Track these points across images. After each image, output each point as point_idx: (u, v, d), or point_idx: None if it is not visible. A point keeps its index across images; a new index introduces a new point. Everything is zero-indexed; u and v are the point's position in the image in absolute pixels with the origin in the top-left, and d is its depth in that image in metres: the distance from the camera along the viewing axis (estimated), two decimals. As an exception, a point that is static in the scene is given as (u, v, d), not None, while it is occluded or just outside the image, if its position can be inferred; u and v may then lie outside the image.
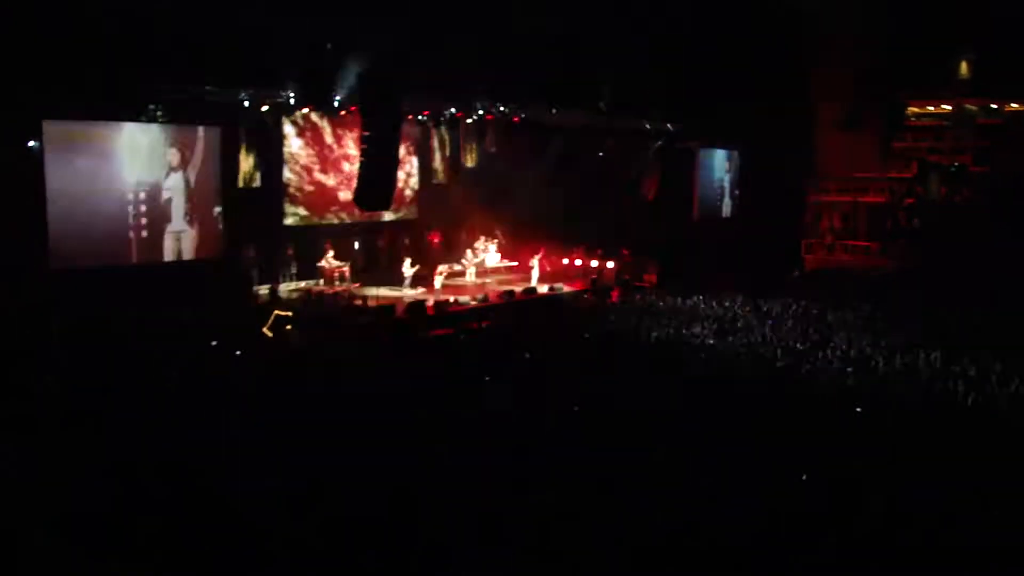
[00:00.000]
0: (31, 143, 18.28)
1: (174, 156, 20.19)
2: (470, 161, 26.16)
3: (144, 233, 19.88)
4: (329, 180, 24.94)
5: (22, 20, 16.57)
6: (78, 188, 18.68)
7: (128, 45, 17.46)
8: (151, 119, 19.83)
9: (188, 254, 20.62)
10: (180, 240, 20.50)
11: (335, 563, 6.93)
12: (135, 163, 19.65)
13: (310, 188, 24.55)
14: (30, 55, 16.38)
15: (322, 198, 24.77)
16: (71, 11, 17.22)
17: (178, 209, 20.38)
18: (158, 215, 20.06)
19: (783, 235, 29.41)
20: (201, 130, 20.69)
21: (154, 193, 19.96)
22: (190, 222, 20.57)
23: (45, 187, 18.16)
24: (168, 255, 20.30)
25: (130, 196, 19.61)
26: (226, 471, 8.60)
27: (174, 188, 20.28)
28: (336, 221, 25.05)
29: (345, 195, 24.24)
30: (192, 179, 20.56)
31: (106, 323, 16.13)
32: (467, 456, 9.33)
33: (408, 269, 24.01)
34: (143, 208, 19.81)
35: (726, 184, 32.79)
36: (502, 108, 25.33)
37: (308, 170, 24.52)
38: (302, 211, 24.39)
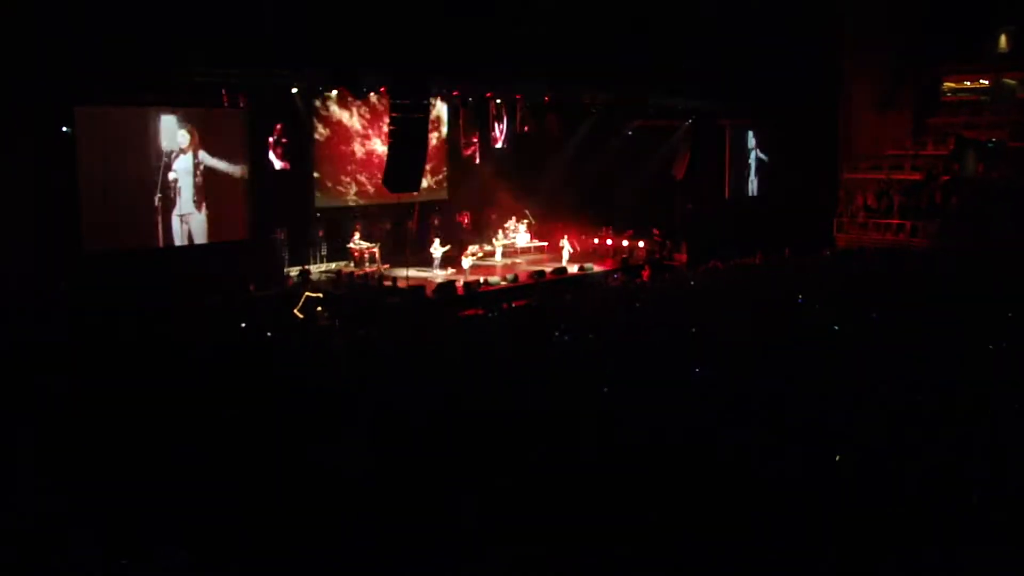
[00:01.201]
0: (64, 129, 18.48)
1: (191, 138, 20.29)
2: (500, 142, 26.07)
3: (168, 215, 20.09)
4: (358, 162, 25.01)
5: (50, 7, 16.69)
6: (108, 172, 18.93)
7: (158, 29, 17.53)
8: (180, 103, 19.96)
9: (216, 236, 20.77)
10: (200, 223, 20.66)
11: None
12: (162, 146, 19.83)
13: (339, 170, 24.63)
14: (60, 42, 16.49)
15: (351, 179, 24.85)
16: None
17: (198, 192, 20.53)
18: (180, 198, 20.23)
19: (813, 213, 29.03)
20: (225, 112, 20.77)
21: (179, 176, 20.13)
22: (208, 205, 20.68)
23: (77, 172, 18.40)
24: (196, 238, 20.47)
25: (155, 180, 19.81)
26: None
27: (196, 170, 20.41)
28: (365, 202, 25.11)
29: (374, 176, 24.30)
30: (214, 161, 20.67)
31: (138, 307, 16.28)
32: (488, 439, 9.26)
33: (437, 250, 24.03)
34: (168, 191, 20.01)
35: (752, 162, 32.46)
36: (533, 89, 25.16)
37: (337, 152, 24.59)
38: (331, 192, 24.48)
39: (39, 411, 9.68)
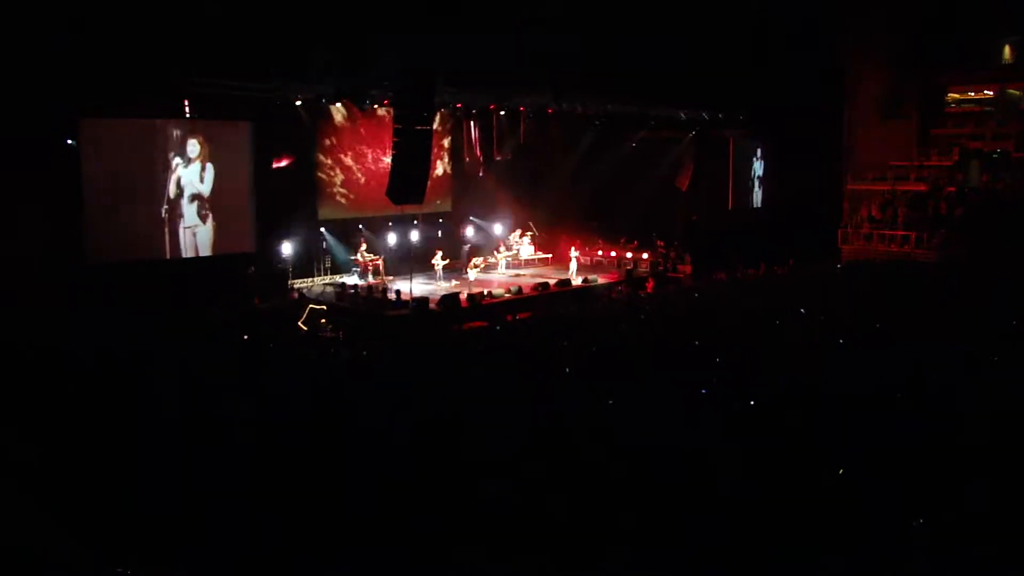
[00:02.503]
0: (69, 141, 18.54)
1: (200, 149, 20.33)
2: (503, 153, 26.10)
3: (172, 227, 20.14)
4: (362, 173, 25.04)
5: (59, 19, 16.77)
6: (112, 184, 18.97)
7: (164, 41, 17.61)
8: (185, 114, 20.01)
9: (220, 248, 20.79)
10: (207, 234, 20.66)
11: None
12: (168, 159, 19.88)
13: (344, 182, 24.67)
14: (67, 53, 16.55)
15: (355, 191, 24.88)
16: (104, 8, 17.39)
17: (205, 204, 20.55)
18: (185, 209, 20.27)
19: (818, 225, 29.00)
20: (230, 124, 20.81)
21: (183, 187, 20.18)
22: (215, 217, 20.70)
23: (82, 183, 18.45)
24: (201, 250, 20.50)
25: (161, 192, 19.86)
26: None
27: (203, 182, 20.47)
28: (369, 214, 25.13)
29: (378, 189, 24.31)
30: (221, 173, 20.70)
31: (142, 318, 16.26)
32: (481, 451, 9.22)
33: (439, 262, 24.01)
34: (173, 202, 20.05)
35: (757, 173, 32.48)
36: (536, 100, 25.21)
37: (341, 164, 24.62)
38: (336, 204, 24.51)
39: (42, 420, 9.69)
